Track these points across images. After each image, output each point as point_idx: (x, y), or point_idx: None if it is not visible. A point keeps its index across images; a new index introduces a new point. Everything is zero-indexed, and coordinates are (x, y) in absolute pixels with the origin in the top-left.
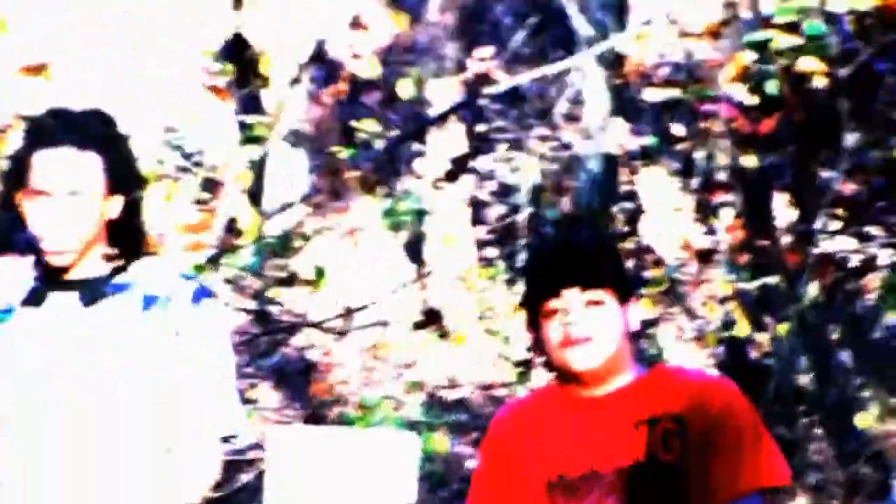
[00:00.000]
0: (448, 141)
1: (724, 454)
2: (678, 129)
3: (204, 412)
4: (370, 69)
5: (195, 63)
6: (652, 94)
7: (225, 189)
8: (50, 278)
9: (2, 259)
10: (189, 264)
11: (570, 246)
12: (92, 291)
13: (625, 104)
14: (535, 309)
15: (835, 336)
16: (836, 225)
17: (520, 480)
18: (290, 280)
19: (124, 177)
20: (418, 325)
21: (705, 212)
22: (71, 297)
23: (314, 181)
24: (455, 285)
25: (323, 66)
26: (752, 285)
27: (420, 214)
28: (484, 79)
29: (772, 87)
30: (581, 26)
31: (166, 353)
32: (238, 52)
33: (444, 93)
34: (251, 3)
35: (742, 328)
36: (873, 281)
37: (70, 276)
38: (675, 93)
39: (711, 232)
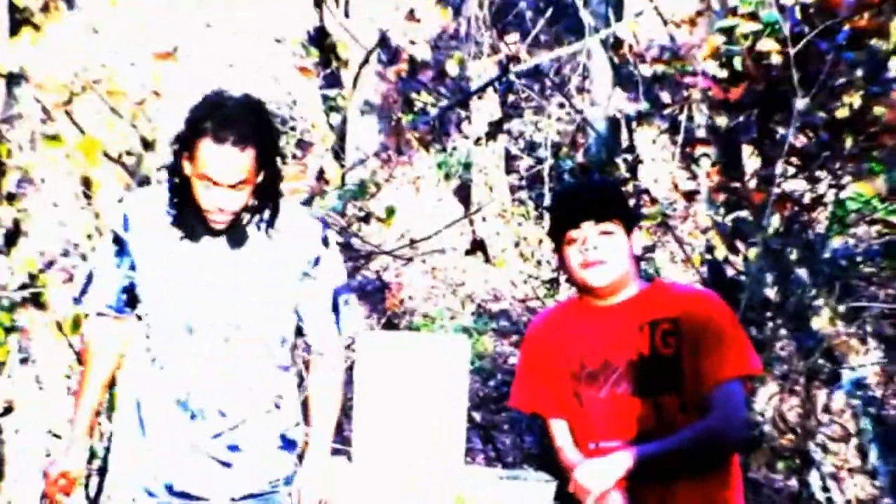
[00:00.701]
0: (486, 108)
1: (711, 349)
2: (666, 97)
3: (334, 323)
4: (423, 52)
5: (288, 49)
6: (644, 70)
7: (314, 147)
8: (199, 231)
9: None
10: None
11: (586, 188)
12: (237, 233)
13: (623, 78)
14: (559, 237)
15: (793, 257)
16: (792, 171)
17: (551, 371)
18: (367, 218)
19: (271, 158)
20: (468, 252)
21: (688, 161)
22: (220, 241)
23: (383, 141)
24: (495, 221)
25: (387, 50)
26: (728, 218)
27: (466, 166)
28: (513, 59)
29: (738, 63)
30: (587, 17)
31: (305, 279)
32: (321, 40)
33: (481, 71)
34: (330, 2)
35: (720, 252)
36: (822, 214)
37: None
38: (662, 68)
39: (694, 177)
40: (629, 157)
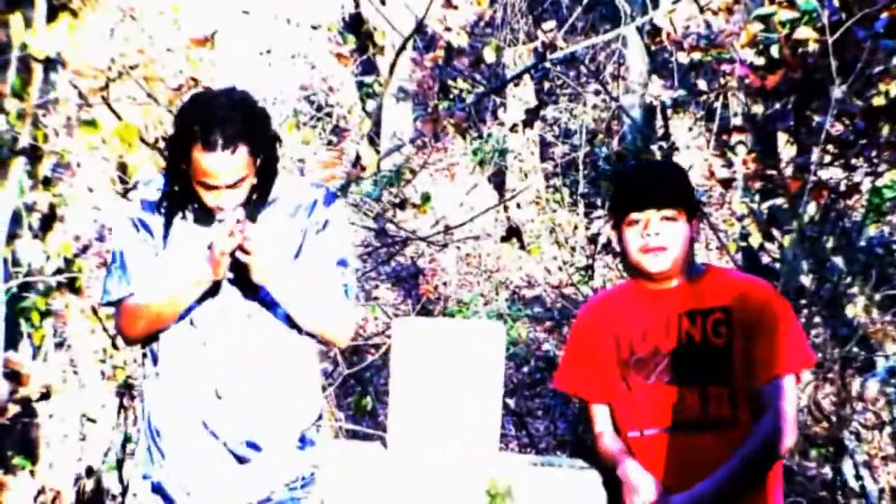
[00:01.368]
0: (522, 95)
1: (765, 342)
2: (702, 85)
3: (341, 286)
4: (460, 39)
5: (324, 35)
6: (681, 57)
7: (350, 133)
8: (206, 217)
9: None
10: None
11: (654, 172)
12: (248, 214)
13: (659, 65)
14: (620, 217)
15: (829, 245)
16: (828, 158)
17: (599, 355)
18: (402, 204)
19: (266, 148)
20: (503, 239)
21: (724, 148)
22: None
23: (418, 127)
24: (530, 207)
25: (423, 37)
26: (763, 206)
27: (501, 153)
28: (549, 46)
29: (775, 50)
30: (623, 5)
31: (314, 242)
32: (357, 27)
33: (517, 58)
34: None
35: (755, 239)
36: (858, 202)
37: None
38: (699, 56)
39: (730, 165)
40: (664, 144)
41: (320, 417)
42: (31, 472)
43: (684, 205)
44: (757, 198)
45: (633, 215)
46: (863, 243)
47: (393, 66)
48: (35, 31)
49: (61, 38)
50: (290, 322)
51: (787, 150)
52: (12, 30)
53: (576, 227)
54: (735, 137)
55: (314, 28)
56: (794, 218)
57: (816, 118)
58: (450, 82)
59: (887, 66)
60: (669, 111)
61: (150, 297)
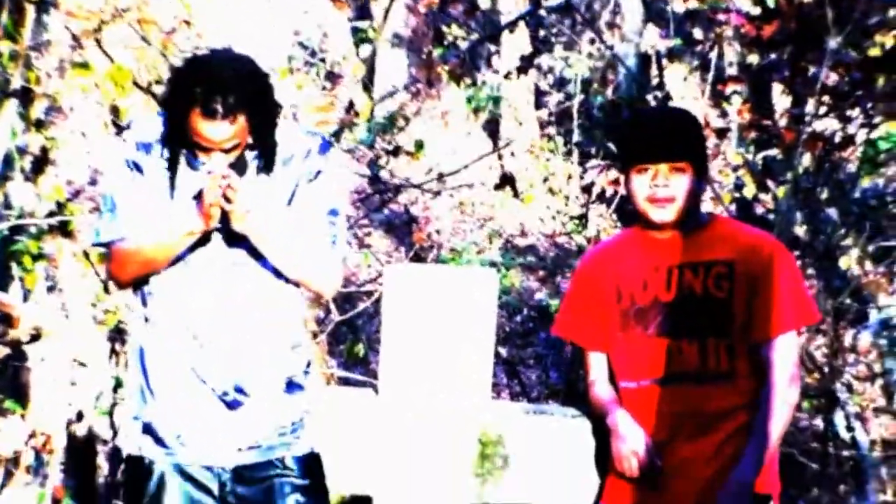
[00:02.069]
0: (517, 43)
1: (769, 298)
2: (698, 34)
3: (331, 236)
4: None
5: None
6: (677, 6)
7: (343, 79)
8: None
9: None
10: None
11: (665, 121)
12: (238, 162)
13: (655, 14)
14: (628, 164)
15: (823, 196)
16: (823, 109)
17: (599, 303)
18: (396, 151)
19: (265, 115)
20: (496, 187)
21: (719, 99)
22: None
23: (412, 74)
24: (524, 156)
25: None
26: (758, 157)
27: (496, 100)
28: None
29: (771, 0)
30: None
31: (306, 191)
32: None
33: (512, 5)
34: None
35: (750, 190)
36: (853, 153)
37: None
38: (695, 4)
39: (724, 115)
40: (659, 93)
41: (309, 364)
42: (22, 416)
43: (695, 157)
44: (752, 148)
45: (643, 164)
46: (857, 195)
47: (387, 11)
48: None
49: None
50: (277, 271)
51: (782, 100)
52: None
53: (570, 177)
54: (730, 87)
55: None
56: (789, 169)
57: (812, 69)
58: (444, 29)
59: (883, 17)
60: (664, 60)
61: (141, 244)
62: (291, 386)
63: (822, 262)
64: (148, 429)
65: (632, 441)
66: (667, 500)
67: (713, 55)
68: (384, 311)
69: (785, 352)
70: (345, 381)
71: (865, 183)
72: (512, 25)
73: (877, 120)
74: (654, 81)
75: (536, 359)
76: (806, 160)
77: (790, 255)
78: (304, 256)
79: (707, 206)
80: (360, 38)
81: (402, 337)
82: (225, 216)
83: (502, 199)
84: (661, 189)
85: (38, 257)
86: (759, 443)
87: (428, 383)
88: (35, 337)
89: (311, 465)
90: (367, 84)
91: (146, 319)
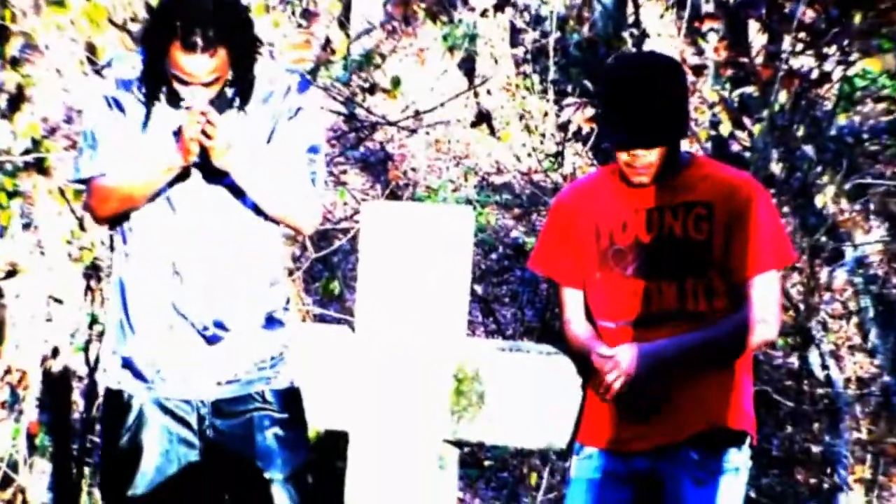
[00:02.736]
0: None
1: (747, 239)
2: None
3: (310, 174)
4: None
5: None
6: None
7: (319, 17)
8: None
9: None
10: None
11: (647, 101)
12: (220, 101)
13: None
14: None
15: (799, 134)
16: (799, 46)
17: (577, 241)
18: (372, 89)
19: (245, 50)
20: (472, 124)
21: (696, 36)
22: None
23: (389, 10)
24: (500, 94)
25: None
26: (734, 94)
27: (472, 38)
28: None
29: None
30: None
31: (286, 129)
32: None
33: None
34: None
35: (726, 127)
36: (829, 91)
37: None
38: None
39: (701, 52)
40: (635, 31)
41: (288, 301)
42: None
43: (678, 136)
44: (728, 86)
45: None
46: (833, 132)
47: None
48: None
49: None
50: (256, 207)
51: (758, 37)
52: None
53: (546, 114)
54: (706, 24)
55: None
56: (765, 106)
57: (788, 5)
58: None
59: None
60: None
61: (120, 180)
62: (271, 321)
63: (797, 199)
64: (127, 363)
65: (620, 363)
66: (645, 432)
67: None
68: (360, 249)
69: (764, 291)
70: (321, 319)
71: (842, 120)
72: None
73: (853, 57)
74: (631, 19)
75: (512, 296)
76: (782, 97)
77: (768, 195)
78: (284, 193)
79: (683, 143)
80: None
81: (378, 274)
82: (205, 152)
83: (478, 136)
84: (640, 159)
85: (13, 194)
86: (677, 342)
87: (404, 320)
88: (10, 273)
89: (290, 399)
90: (343, 21)
91: (126, 255)
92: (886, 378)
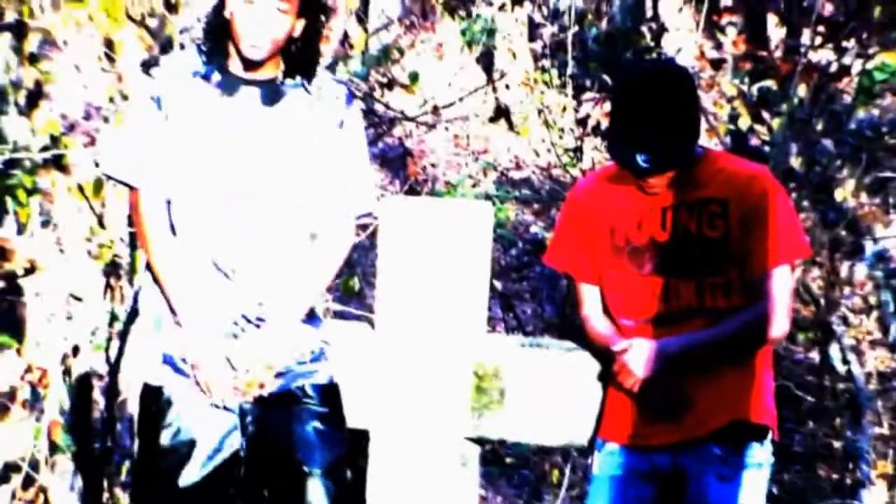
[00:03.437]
0: None
1: (762, 233)
2: None
3: (349, 193)
4: None
5: None
6: None
7: (338, 11)
8: (235, 77)
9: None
10: None
11: (659, 130)
12: (271, 90)
13: None
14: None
15: (818, 128)
16: (818, 40)
17: (592, 237)
18: (390, 84)
19: (312, 6)
20: (491, 120)
21: (714, 30)
22: (253, 92)
23: (407, 5)
24: (519, 89)
25: None
26: (753, 88)
27: (490, 33)
28: None
29: None
30: None
31: (331, 142)
32: None
33: None
34: None
35: (745, 121)
36: (848, 84)
37: (251, 76)
38: None
39: (719, 46)
40: (653, 25)
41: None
42: (18, 351)
43: (689, 160)
44: (746, 79)
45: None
46: (853, 126)
47: None
48: None
49: None
50: (309, 195)
51: (777, 31)
52: None
53: (564, 109)
54: (725, 18)
55: None
56: (784, 100)
57: None
58: None
59: None
60: None
61: (154, 248)
62: (311, 317)
63: (817, 194)
64: (167, 359)
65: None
66: (667, 427)
67: None
68: (380, 245)
69: (777, 284)
70: (340, 316)
71: (861, 114)
72: None
73: (872, 50)
74: (649, 13)
75: (532, 293)
76: (801, 91)
77: (782, 188)
78: (330, 269)
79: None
80: None
81: (397, 270)
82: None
83: (497, 131)
84: (654, 180)
85: (32, 191)
86: (709, 335)
87: (424, 317)
88: (29, 271)
89: (330, 394)
90: (361, 16)
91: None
92: None
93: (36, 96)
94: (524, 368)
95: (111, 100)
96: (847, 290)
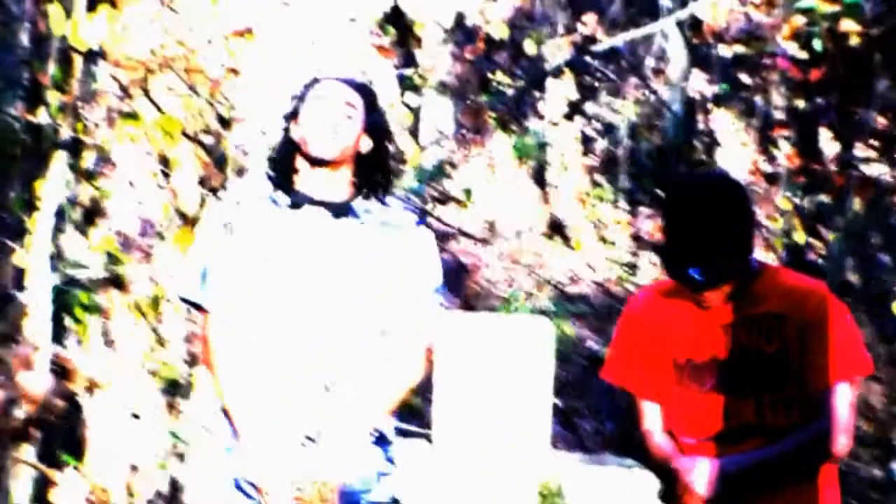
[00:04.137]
0: (562, 89)
1: (822, 349)
2: (745, 78)
3: (419, 322)
4: (500, 32)
5: (364, 27)
6: (723, 50)
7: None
8: (305, 195)
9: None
10: None
11: (713, 251)
12: (339, 209)
13: (701, 59)
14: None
15: (875, 241)
16: (872, 153)
17: (650, 353)
18: (445, 199)
19: (377, 125)
20: (545, 235)
21: (767, 144)
22: (323, 211)
23: (459, 121)
24: (572, 203)
25: (463, 30)
26: (808, 202)
27: (542, 147)
28: (589, 40)
29: (818, 44)
30: None
31: (399, 268)
32: (397, 20)
33: (557, 51)
34: None
35: (800, 236)
36: None
37: (320, 196)
38: (741, 49)
39: (773, 160)
40: (706, 139)
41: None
42: (78, 470)
43: (747, 267)
44: (800, 193)
45: None
46: None
47: (433, 59)
48: (75, 22)
49: (101, 28)
50: (378, 313)
51: (829, 145)
52: (52, 21)
53: (618, 223)
54: (778, 132)
55: (352, 20)
56: (839, 214)
57: (860, 112)
58: (490, 75)
59: None
60: (711, 105)
61: (225, 383)
62: (379, 440)
63: (874, 307)
64: (237, 483)
65: (703, 474)
66: None
67: (759, 100)
68: (437, 361)
69: (839, 401)
70: (399, 433)
71: None
72: (557, 72)
73: None
74: (701, 127)
75: (591, 409)
76: (856, 205)
77: (840, 303)
78: (398, 393)
79: (758, 252)
80: (406, 85)
81: (456, 387)
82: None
83: (552, 246)
84: (710, 293)
85: (90, 309)
86: (771, 452)
87: (484, 434)
88: (90, 390)
89: None
90: (414, 131)
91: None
92: None
93: (92, 213)
94: (586, 486)
95: (167, 216)
96: None
